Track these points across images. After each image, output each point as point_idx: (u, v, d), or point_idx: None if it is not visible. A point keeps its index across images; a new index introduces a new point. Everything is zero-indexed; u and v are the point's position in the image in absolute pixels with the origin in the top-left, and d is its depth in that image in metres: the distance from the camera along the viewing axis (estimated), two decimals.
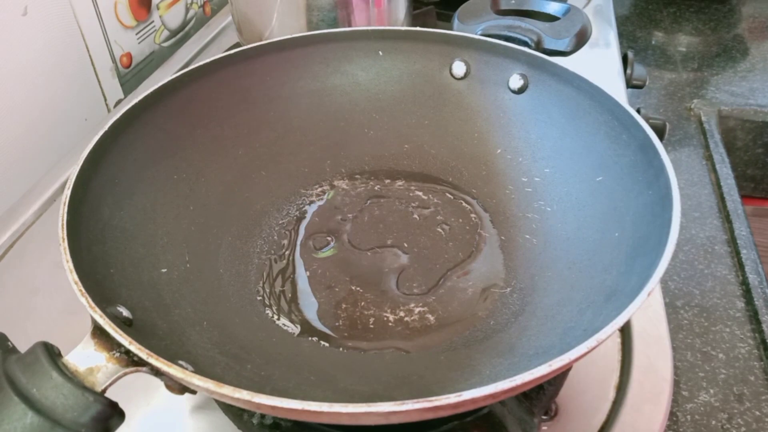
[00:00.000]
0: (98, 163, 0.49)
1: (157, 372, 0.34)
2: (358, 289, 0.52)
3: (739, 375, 0.52)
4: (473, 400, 0.31)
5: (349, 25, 0.77)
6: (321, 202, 0.60)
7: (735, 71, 0.94)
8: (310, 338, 0.48)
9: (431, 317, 0.49)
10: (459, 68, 0.64)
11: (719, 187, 0.70)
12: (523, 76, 0.61)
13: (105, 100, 0.79)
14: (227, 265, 0.53)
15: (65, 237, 0.40)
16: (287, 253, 0.56)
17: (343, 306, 0.50)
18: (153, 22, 0.85)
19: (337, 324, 0.49)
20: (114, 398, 0.34)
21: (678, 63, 0.98)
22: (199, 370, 0.33)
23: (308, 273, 0.54)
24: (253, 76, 0.62)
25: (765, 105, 0.86)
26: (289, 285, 0.53)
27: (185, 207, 0.55)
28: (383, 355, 0.47)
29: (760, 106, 0.85)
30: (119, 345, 0.34)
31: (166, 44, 0.90)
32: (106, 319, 0.34)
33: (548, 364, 0.33)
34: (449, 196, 0.61)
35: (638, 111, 0.70)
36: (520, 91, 0.61)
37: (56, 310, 0.54)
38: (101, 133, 0.50)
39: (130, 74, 0.83)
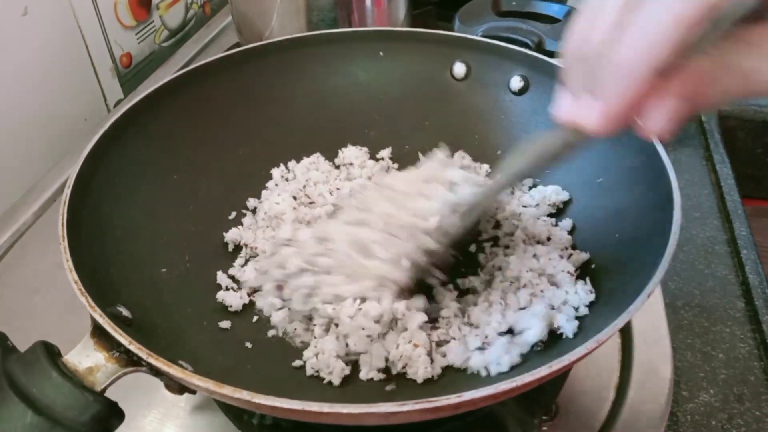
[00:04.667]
0: (98, 163, 0.49)
1: (156, 372, 0.34)
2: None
3: (739, 375, 0.52)
4: (473, 401, 0.31)
5: (349, 25, 0.77)
6: None
7: None
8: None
9: None
10: (460, 69, 0.64)
11: (719, 187, 0.70)
12: (524, 77, 0.60)
13: (105, 100, 0.79)
14: (227, 265, 0.53)
15: (65, 236, 0.40)
16: None
17: None
18: (153, 22, 0.85)
19: None
20: (114, 398, 0.34)
21: None
22: (198, 370, 0.33)
23: None
24: (253, 76, 0.62)
25: (765, 105, 0.86)
26: None
27: (185, 207, 0.55)
28: None
29: (760, 107, 0.85)
30: (119, 344, 0.34)
31: (166, 44, 0.89)
32: (106, 319, 0.34)
33: (548, 365, 0.33)
34: None
35: None
36: (521, 92, 0.61)
37: (56, 309, 0.53)
38: (101, 132, 0.50)
39: (130, 74, 0.83)
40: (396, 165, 0.63)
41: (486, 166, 0.61)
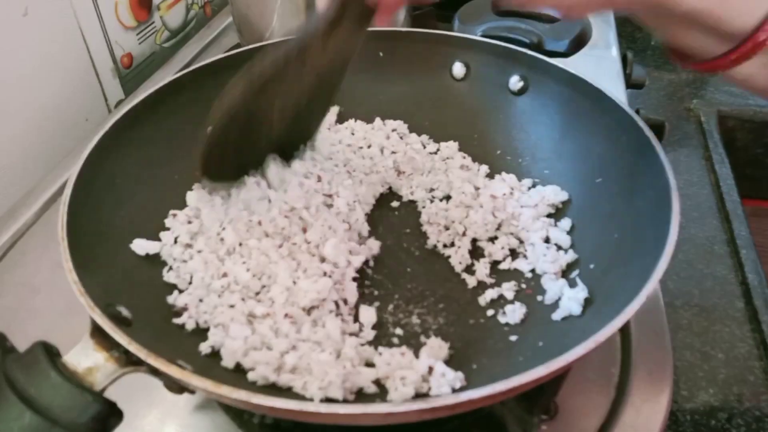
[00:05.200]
0: (99, 163, 0.49)
1: (155, 372, 0.34)
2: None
3: (739, 375, 0.52)
4: (471, 402, 0.31)
5: None
6: None
7: None
8: None
9: (430, 320, 0.49)
10: (459, 69, 0.64)
11: (718, 187, 0.70)
12: (524, 77, 0.61)
13: (106, 100, 0.79)
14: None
15: (65, 236, 0.40)
16: None
17: None
18: (154, 22, 0.86)
19: None
20: (114, 397, 0.34)
21: None
22: (197, 370, 0.33)
23: None
24: None
25: (764, 105, 0.86)
26: None
27: (185, 207, 0.55)
28: None
29: (759, 107, 0.85)
30: (118, 345, 0.34)
31: (166, 45, 0.90)
32: (105, 319, 0.34)
33: (546, 365, 0.33)
34: None
35: (638, 111, 0.70)
36: (520, 92, 0.61)
37: (57, 310, 0.53)
38: (102, 133, 0.50)
39: (131, 75, 0.83)
40: None
41: (485, 167, 0.61)
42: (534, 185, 0.58)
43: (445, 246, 0.54)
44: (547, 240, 0.53)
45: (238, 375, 0.43)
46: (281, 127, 0.51)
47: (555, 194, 0.55)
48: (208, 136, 0.47)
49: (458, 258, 0.52)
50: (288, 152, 0.55)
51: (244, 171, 0.53)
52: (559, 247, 0.52)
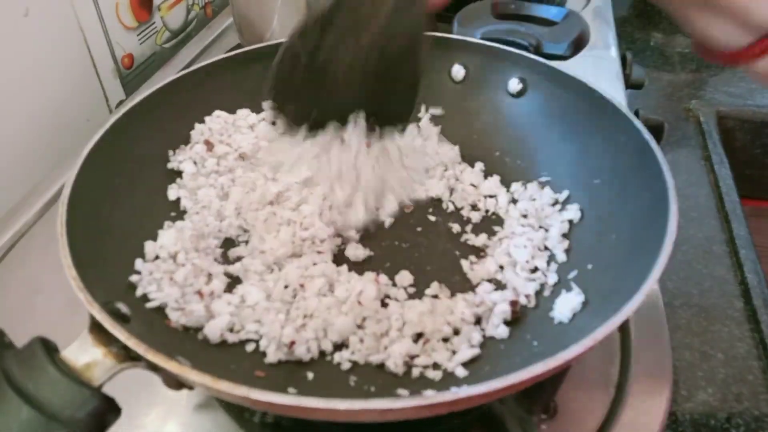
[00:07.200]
0: (99, 161, 0.49)
1: (154, 367, 0.34)
2: None
3: (738, 374, 0.52)
4: (468, 399, 0.32)
5: None
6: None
7: (733, 72, 0.94)
8: None
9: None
10: (458, 72, 0.64)
11: (718, 187, 0.70)
12: (522, 80, 0.61)
13: (107, 101, 0.79)
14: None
15: (64, 233, 0.40)
16: None
17: None
18: (154, 23, 0.86)
19: None
20: (116, 395, 0.34)
21: (676, 64, 0.98)
22: (196, 366, 0.33)
23: None
24: (254, 77, 0.62)
25: (763, 105, 0.86)
26: None
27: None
28: None
29: (758, 107, 0.85)
30: (116, 340, 0.34)
31: (167, 45, 0.90)
32: (104, 314, 0.34)
33: (544, 362, 0.33)
34: None
35: (637, 112, 0.71)
36: (519, 94, 0.61)
37: (58, 309, 0.53)
38: (101, 132, 0.50)
39: (132, 75, 0.83)
40: None
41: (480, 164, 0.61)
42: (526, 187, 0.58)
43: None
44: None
45: (237, 372, 0.43)
46: (353, 86, 0.51)
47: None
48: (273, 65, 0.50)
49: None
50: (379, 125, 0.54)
51: (317, 118, 0.52)
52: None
